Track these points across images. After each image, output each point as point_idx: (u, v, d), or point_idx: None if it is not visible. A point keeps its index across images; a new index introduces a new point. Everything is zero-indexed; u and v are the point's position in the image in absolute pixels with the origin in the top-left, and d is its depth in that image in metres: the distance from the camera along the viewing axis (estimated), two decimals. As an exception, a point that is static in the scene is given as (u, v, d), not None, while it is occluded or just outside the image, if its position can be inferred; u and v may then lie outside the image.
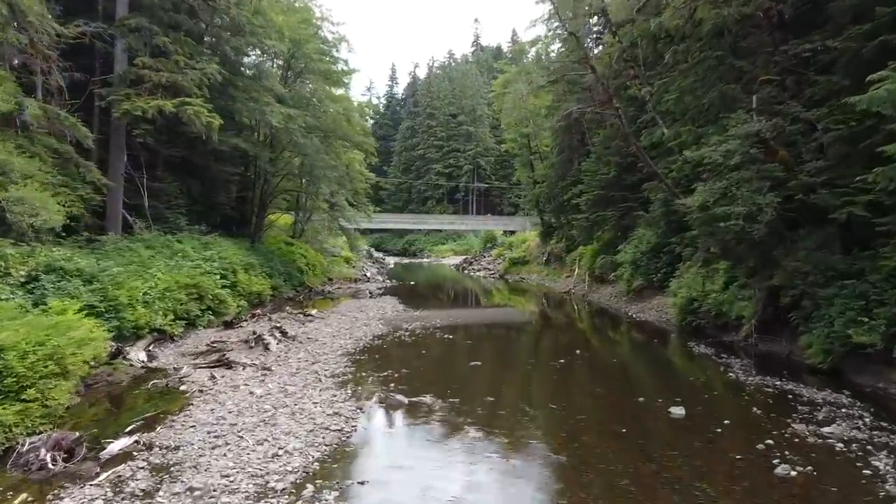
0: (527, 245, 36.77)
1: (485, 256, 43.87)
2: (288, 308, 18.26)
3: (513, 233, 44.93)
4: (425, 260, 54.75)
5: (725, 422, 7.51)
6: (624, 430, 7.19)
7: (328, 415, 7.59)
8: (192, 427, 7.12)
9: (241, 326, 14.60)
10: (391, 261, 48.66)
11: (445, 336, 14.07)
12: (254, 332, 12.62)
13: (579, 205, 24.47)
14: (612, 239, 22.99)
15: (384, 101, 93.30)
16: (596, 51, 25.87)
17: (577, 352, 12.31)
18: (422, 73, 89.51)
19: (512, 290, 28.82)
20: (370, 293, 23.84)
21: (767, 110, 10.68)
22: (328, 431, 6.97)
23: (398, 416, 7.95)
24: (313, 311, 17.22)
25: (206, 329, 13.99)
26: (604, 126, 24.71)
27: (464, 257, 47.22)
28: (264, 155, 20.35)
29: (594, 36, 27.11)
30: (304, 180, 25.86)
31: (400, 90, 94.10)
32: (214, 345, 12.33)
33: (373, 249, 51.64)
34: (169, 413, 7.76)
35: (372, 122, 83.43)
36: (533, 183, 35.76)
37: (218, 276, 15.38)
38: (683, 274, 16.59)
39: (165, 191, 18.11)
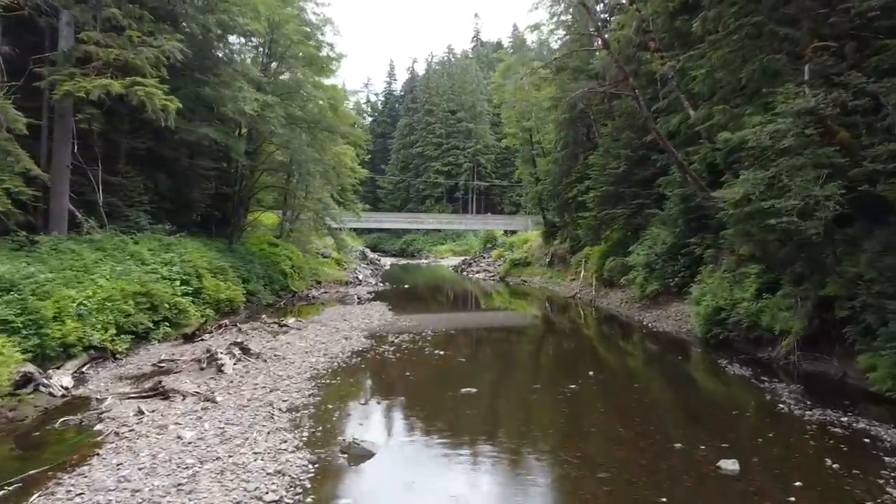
0: (528, 245, 34.89)
1: (484, 257, 42.02)
2: (264, 316, 16.38)
3: (514, 233, 43.08)
4: (423, 261, 52.84)
5: (796, 483, 5.62)
6: (664, 501, 5.31)
7: (268, 474, 5.70)
8: (79, 496, 5.26)
9: (203, 339, 12.73)
10: (387, 262, 46.69)
11: (436, 352, 12.19)
12: (207, 350, 10.73)
13: (585, 202, 22.62)
14: (622, 239, 21.13)
15: (382, 98, 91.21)
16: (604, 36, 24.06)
17: (590, 373, 10.42)
18: (420, 69, 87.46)
19: (513, 294, 26.93)
20: (359, 298, 21.96)
21: (822, 83, 8.80)
22: (260, 504, 5.10)
23: (361, 474, 6.07)
24: (290, 321, 15.34)
25: (161, 343, 12.16)
26: (612, 117, 22.91)
27: (463, 258, 45.34)
28: (238, 146, 18.41)
29: (599, 23, 25.38)
30: (288, 176, 23.94)
31: (398, 87, 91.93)
32: (162, 364, 10.46)
33: (368, 250, 49.70)
34: (62, 469, 5.89)
35: (370, 119, 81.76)
36: (535, 180, 33.96)
37: (178, 282, 13.54)
38: (706, 279, 14.69)
39: (127, 186, 16.19)
